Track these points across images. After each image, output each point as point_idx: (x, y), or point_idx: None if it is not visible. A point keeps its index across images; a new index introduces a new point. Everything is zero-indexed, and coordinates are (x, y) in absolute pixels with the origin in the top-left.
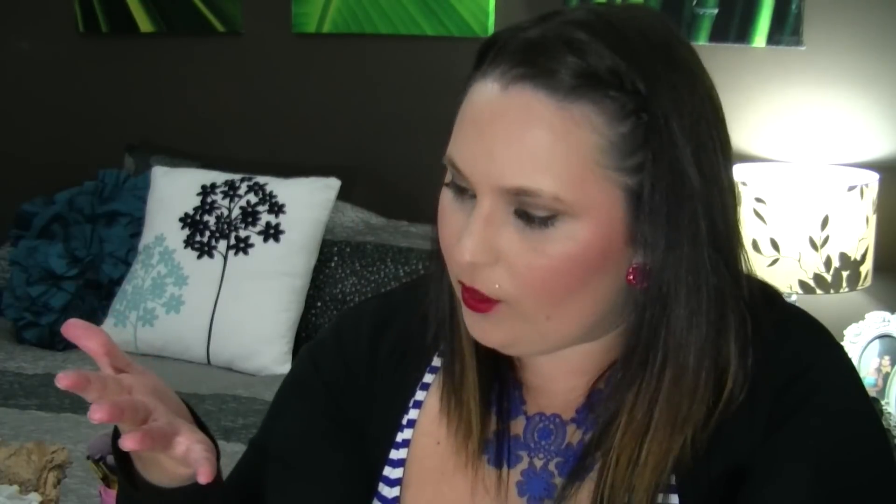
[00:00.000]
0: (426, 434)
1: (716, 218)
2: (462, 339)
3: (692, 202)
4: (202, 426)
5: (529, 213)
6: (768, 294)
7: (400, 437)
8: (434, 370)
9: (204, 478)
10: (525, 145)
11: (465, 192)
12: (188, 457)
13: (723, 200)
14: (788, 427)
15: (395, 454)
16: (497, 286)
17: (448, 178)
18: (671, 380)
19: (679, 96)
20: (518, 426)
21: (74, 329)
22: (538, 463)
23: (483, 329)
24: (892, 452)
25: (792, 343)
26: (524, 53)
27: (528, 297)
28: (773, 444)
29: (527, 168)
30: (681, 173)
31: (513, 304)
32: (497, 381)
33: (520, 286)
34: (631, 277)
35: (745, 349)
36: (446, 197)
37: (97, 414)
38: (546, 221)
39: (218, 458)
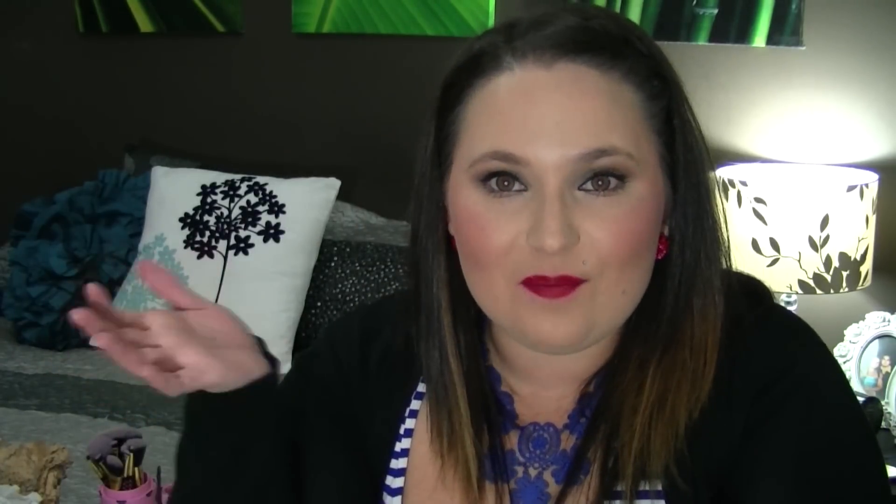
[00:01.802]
0: (424, 442)
1: (713, 188)
2: (454, 377)
3: (706, 168)
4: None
5: (598, 184)
6: (752, 289)
7: (398, 446)
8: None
9: (169, 391)
10: (591, 110)
11: (509, 192)
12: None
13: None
14: (771, 426)
15: (395, 463)
16: (584, 263)
17: (478, 188)
18: (687, 343)
19: (673, 69)
20: (512, 440)
21: (146, 269)
22: (533, 472)
23: (556, 326)
24: (877, 451)
25: (773, 344)
26: (546, 31)
27: (612, 269)
28: (755, 443)
29: (600, 128)
30: (695, 137)
31: (595, 281)
32: (487, 404)
33: (604, 258)
34: (659, 247)
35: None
36: (477, 202)
37: (100, 341)
38: (615, 188)
39: (272, 378)
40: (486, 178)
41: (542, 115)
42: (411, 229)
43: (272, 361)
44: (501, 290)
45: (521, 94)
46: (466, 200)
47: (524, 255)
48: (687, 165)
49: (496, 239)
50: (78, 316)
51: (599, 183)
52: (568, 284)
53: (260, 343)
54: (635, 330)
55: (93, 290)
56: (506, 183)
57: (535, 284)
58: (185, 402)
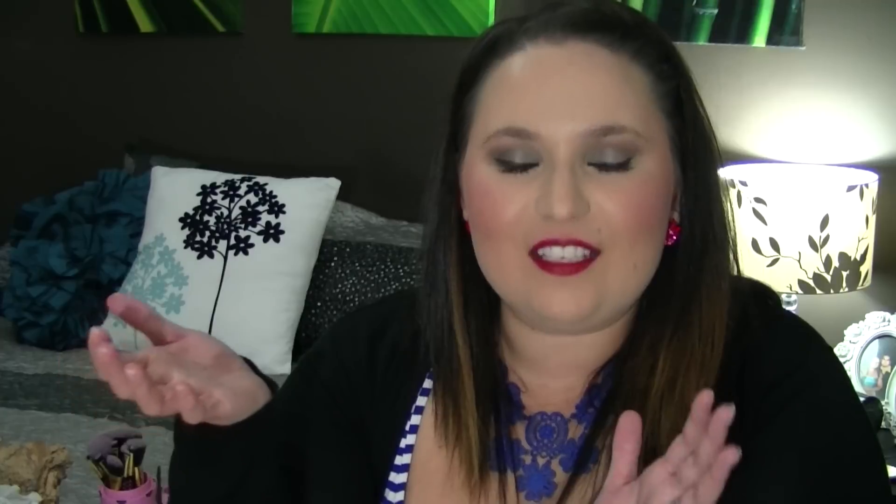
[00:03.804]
0: (428, 438)
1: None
2: (460, 358)
3: (715, 155)
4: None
5: (607, 160)
6: (759, 292)
7: (403, 442)
8: (433, 376)
9: (186, 417)
10: (601, 86)
11: (521, 167)
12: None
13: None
14: (775, 423)
15: (399, 460)
16: (598, 231)
17: (491, 163)
18: (696, 328)
19: (683, 59)
20: (519, 430)
21: (116, 302)
22: (541, 461)
23: (567, 300)
24: (879, 451)
25: (781, 344)
26: (558, 12)
27: (623, 241)
28: (759, 439)
29: (610, 105)
30: (704, 125)
31: (607, 254)
32: (494, 393)
33: (615, 229)
34: (669, 232)
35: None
36: (490, 176)
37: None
38: (624, 164)
39: (273, 394)
40: (499, 154)
41: (553, 89)
42: (425, 213)
43: (268, 382)
44: (512, 262)
45: (533, 70)
46: (480, 175)
47: (534, 224)
48: (696, 150)
49: (507, 210)
50: (105, 349)
51: (609, 158)
52: (574, 265)
53: (249, 364)
54: (646, 315)
55: (98, 334)
56: (518, 158)
57: (547, 263)
58: (178, 432)
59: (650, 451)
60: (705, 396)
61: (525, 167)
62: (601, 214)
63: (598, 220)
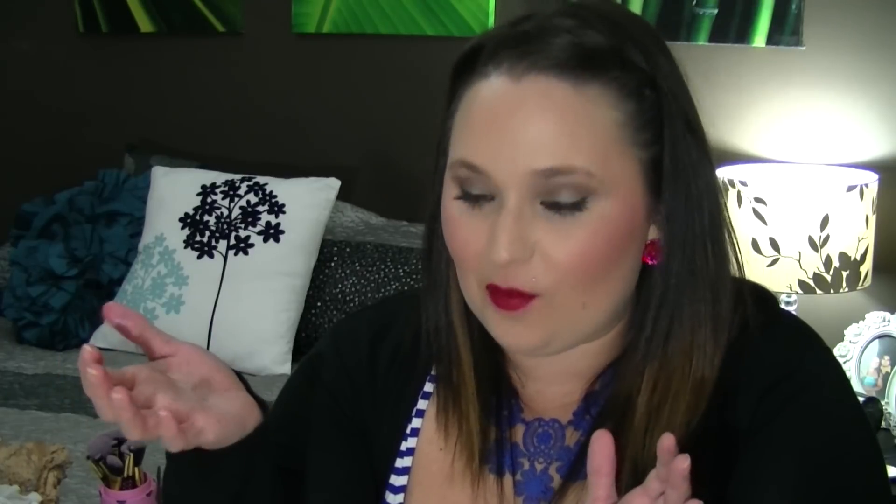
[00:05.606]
0: (429, 441)
1: (712, 196)
2: (461, 352)
3: (700, 174)
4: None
5: (559, 200)
6: (759, 295)
7: (404, 445)
8: (434, 379)
9: (167, 444)
10: (550, 127)
11: (480, 199)
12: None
13: (714, 183)
14: (774, 425)
15: (399, 462)
16: (534, 279)
17: (455, 191)
18: (680, 353)
19: (674, 73)
20: (517, 433)
21: (112, 312)
22: (539, 466)
23: (517, 333)
24: (879, 451)
25: (780, 346)
26: (529, 45)
27: (567, 286)
28: (757, 441)
29: (557, 148)
30: (687, 147)
31: (550, 296)
32: (495, 390)
33: (558, 275)
34: (647, 254)
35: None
36: (455, 209)
37: (117, 395)
38: (577, 205)
39: (263, 411)
40: (460, 183)
41: (501, 130)
42: (429, 205)
43: (259, 402)
44: (475, 291)
45: (488, 105)
46: (448, 199)
47: (486, 263)
48: (676, 175)
49: (467, 244)
50: (95, 371)
51: (562, 198)
52: (519, 297)
53: (241, 379)
54: (640, 329)
55: (90, 353)
56: (476, 190)
57: (494, 293)
58: (169, 455)
59: (642, 450)
60: (666, 440)
61: (482, 199)
62: (544, 260)
63: (537, 268)
